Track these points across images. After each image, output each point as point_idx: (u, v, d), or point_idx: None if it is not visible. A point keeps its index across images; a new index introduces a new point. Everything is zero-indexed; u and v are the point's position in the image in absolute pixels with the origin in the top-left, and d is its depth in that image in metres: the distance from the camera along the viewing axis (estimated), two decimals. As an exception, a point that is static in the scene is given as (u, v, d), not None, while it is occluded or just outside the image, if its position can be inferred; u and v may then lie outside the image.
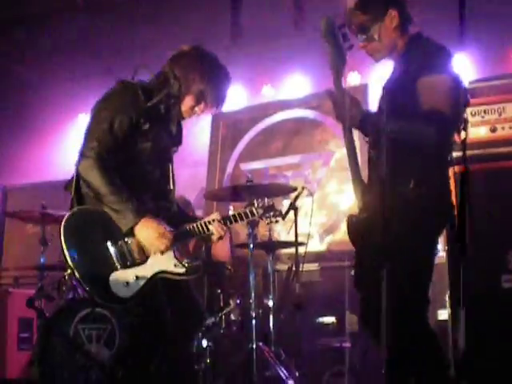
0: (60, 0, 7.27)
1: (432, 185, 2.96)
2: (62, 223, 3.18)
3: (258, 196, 4.79)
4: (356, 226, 3.08)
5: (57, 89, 9.02)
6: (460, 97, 2.97)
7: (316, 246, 6.41)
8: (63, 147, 9.40)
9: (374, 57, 3.19)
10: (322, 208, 6.34)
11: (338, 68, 2.97)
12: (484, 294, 3.71)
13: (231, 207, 6.80)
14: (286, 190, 5.18)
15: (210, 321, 4.66)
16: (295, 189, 4.83)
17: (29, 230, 7.32)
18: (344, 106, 2.90)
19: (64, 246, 3.12)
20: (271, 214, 3.55)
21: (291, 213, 4.94)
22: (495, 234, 3.89)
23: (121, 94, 3.32)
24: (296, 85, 8.17)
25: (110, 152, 3.19)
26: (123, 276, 3.15)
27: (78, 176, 3.23)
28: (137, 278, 3.17)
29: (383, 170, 2.69)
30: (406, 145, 2.85)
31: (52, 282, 5.34)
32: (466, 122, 3.23)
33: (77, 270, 3.12)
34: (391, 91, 2.99)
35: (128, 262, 3.19)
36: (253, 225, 4.58)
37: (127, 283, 3.15)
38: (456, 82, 2.96)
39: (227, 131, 7.67)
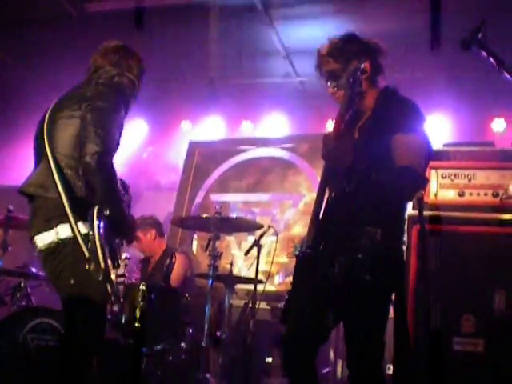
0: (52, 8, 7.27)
1: (396, 239, 3.03)
2: None
3: (224, 229, 4.87)
4: (305, 260, 3.11)
5: (35, 91, 8.96)
6: (429, 156, 3.07)
7: (274, 285, 6.44)
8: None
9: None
10: (285, 249, 6.37)
11: (345, 111, 3.02)
12: (435, 354, 3.75)
13: (195, 236, 6.86)
14: (253, 227, 5.22)
15: (160, 347, 4.65)
16: (262, 226, 4.88)
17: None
18: (338, 149, 2.94)
19: None
20: None
21: (254, 250, 4.99)
22: (452, 296, 3.94)
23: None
24: (274, 124, 8.32)
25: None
26: None
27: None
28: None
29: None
30: (379, 195, 2.92)
31: (7, 287, 5.29)
32: (426, 181, 3.30)
33: None
34: (365, 141, 3.06)
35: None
36: (215, 257, 4.59)
37: None
38: (427, 143, 3.04)
39: (201, 160, 7.71)
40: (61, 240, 3.15)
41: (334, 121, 3.03)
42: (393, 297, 3.08)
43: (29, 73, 8.33)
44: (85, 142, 3.10)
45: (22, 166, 8.82)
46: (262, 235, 4.80)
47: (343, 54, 3.13)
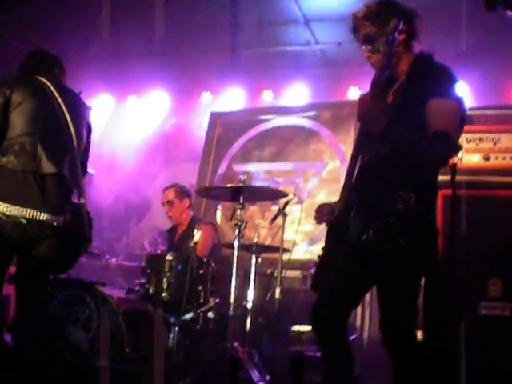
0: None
1: (429, 204, 3.02)
2: None
3: (249, 198, 4.87)
4: (338, 225, 3.12)
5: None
6: (463, 122, 3.04)
7: (300, 254, 6.46)
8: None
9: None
10: (310, 217, 6.34)
11: (383, 72, 3.01)
12: (461, 319, 3.75)
13: (219, 206, 6.88)
14: (277, 195, 5.20)
15: (187, 316, 4.70)
16: (286, 194, 4.87)
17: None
18: (373, 111, 2.93)
19: None
20: None
21: (278, 219, 5.00)
22: (478, 261, 3.93)
23: None
24: (296, 93, 8.27)
25: None
26: None
27: None
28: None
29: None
30: (413, 160, 2.92)
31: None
32: (460, 147, 3.27)
33: None
34: (398, 105, 3.04)
35: None
36: (240, 226, 4.60)
37: None
38: (462, 107, 3.02)
39: (223, 131, 7.70)
40: None
41: (371, 82, 3.01)
42: (426, 262, 3.07)
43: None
44: None
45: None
46: (286, 203, 4.80)
47: (380, 17, 3.09)
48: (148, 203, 8.65)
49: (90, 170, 7.74)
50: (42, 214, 3.44)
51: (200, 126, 8.47)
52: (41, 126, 3.59)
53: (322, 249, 3.25)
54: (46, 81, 3.71)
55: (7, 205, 3.38)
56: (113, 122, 9.58)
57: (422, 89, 2.99)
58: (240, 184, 4.62)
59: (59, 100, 3.69)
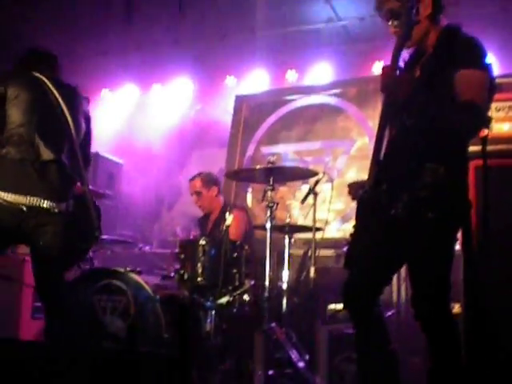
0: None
1: (459, 175, 2.99)
2: None
3: (279, 179, 4.86)
4: (367, 201, 3.10)
5: (80, 63, 9.07)
6: (492, 92, 3.00)
7: (333, 232, 6.44)
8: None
9: None
10: (341, 195, 6.35)
11: (403, 40, 2.98)
12: (499, 292, 3.70)
13: (249, 189, 6.88)
14: (307, 174, 5.17)
15: (223, 300, 4.70)
16: (316, 173, 4.83)
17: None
18: (396, 80, 2.91)
19: None
20: None
21: (309, 198, 4.98)
22: (510, 231, 3.87)
23: None
24: (320, 71, 8.22)
25: None
26: None
27: None
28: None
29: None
30: (441, 131, 2.88)
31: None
32: (490, 119, 3.22)
33: None
34: (426, 77, 3.01)
35: None
36: (271, 207, 4.59)
37: None
38: (490, 76, 2.97)
39: (249, 113, 7.68)
40: None
41: (393, 51, 2.99)
42: (458, 234, 3.04)
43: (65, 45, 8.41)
44: None
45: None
46: (317, 182, 4.78)
47: None
48: (178, 190, 8.68)
49: (119, 159, 7.88)
50: (43, 200, 3.49)
51: (226, 110, 8.46)
52: (37, 116, 3.66)
53: (353, 226, 3.24)
54: (41, 76, 3.78)
55: (7, 193, 3.45)
56: (139, 112, 9.63)
57: (449, 60, 2.95)
58: (269, 165, 4.60)
59: (54, 92, 3.75)
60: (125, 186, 8.07)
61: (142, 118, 9.46)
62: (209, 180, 5.99)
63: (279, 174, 4.72)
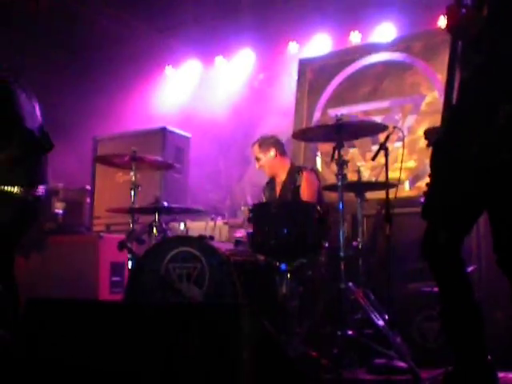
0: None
1: None
2: None
3: (348, 135, 4.75)
4: (442, 147, 2.99)
5: (144, 41, 9.14)
6: None
7: (406, 191, 6.29)
8: (151, 98, 9.57)
9: None
10: (412, 153, 6.19)
11: None
12: None
13: (318, 153, 6.79)
14: (376, 129, 5.02)
15: (299, 262, 4.64)
16: (386, 127, 4.69)
17: (119, 179, 7.46)
18: (463, 17, 2.80)
19: None
20: None
21: (380, 157, 4.83)
22: None
23: None
24: (384, 30, 8.05)
25: None
26: None
27: None
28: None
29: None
30: None
31: (143, 227, 5.42)
32: None
33: None
34: (493, 15, 2.87)
35: None
36: (341, 165, 4.49)
37: None
38: None
39: (314, 77, 7.56)
40: None
41: None
42: None
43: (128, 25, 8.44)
44: None
45: (140, 113, 9.08)
46: (387, 137, 4.63)
47: None
48: (247, 161, 8.65)
49: (187, 133, 7.90)
50: None
51: (290, 77, 8.37)
52: None
53: (429, 175, 3.14)
54: None
55: None
56: (203, 86, 9.67)
57: None
58: (338, 122, 4.49)
59: None
60: (193, 161, 8.09)
61: (207, 91, 9.49)
62: (265, 143, 5.93)
63: (348, 131, 4.60)
